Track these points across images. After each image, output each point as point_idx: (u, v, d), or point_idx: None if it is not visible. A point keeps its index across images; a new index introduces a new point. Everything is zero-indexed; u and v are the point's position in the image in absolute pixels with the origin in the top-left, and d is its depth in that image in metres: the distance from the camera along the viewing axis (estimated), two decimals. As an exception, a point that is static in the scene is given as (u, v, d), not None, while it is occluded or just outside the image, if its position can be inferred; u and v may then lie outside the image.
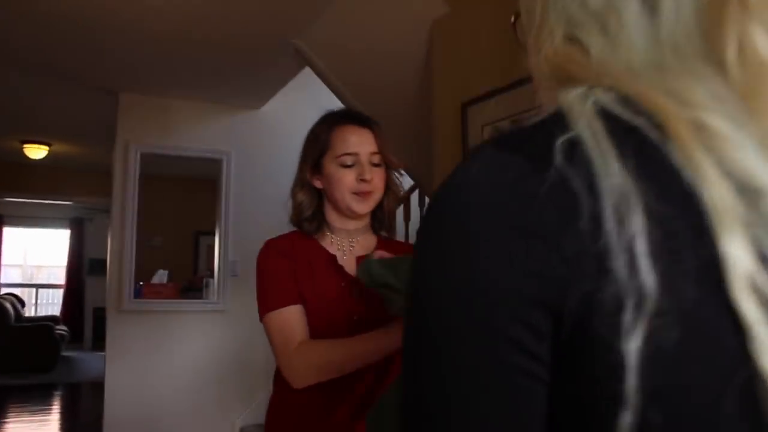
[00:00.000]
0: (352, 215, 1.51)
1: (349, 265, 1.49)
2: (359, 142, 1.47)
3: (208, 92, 4.44)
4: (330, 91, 3.54)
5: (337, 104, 2.90)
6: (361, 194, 1.47)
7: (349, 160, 1.46)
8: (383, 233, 1.62)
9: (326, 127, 1.51)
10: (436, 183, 2.57)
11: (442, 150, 2.56)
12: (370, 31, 2.95)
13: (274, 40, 3.45)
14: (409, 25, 2.78)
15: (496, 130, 2.23)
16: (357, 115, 1.57)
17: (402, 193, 1.63)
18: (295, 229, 1.55)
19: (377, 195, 1.50)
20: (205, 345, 4.43)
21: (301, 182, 1.53)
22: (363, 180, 1.46)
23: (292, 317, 1.40)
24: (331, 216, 1.54)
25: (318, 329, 1.41)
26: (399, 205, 1.65)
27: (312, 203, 1.53)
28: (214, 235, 4.76)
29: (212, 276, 4.67)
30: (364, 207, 1.49)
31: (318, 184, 1.52)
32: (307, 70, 3.87)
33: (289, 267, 1.45)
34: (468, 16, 2.48)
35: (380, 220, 1.59)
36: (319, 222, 1.55)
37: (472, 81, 2.39)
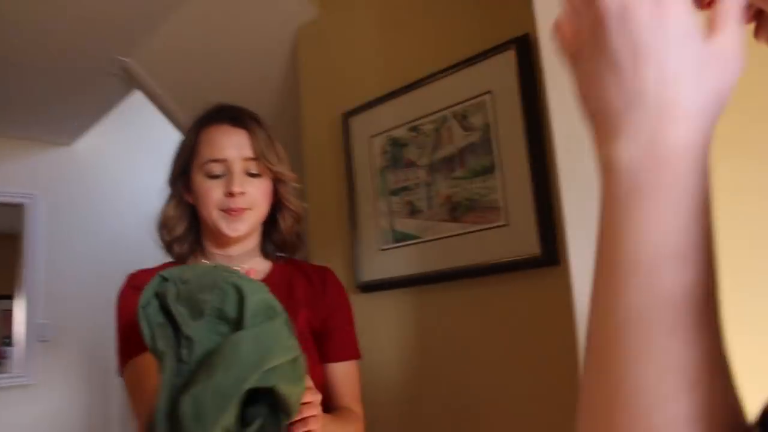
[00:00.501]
0: (224, 239, 1.21)
1: None
2: (228, 145, 1.18)
3: (4, 124, 3.72)
4: (168, 124, 3.08)
5: (173, 138, 2.41)
6: (230, 212, 1.17)
7: (216, 169, 1.18)
8: (281, 255, 1.29)
9: (194, 128, 1.23)
10: (311, 202, 2.21)
11: (316, 166, 2.21)
12: (221, 42, 2.57)
13: (95, 58, 2.92)
14: (269, 33, 2.44)
15: (391, 141, 1.95)
16: (230, 110, 1.25)
17: (301, 208, 1.30)
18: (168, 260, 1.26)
19: (255, 213, 1.20)
20: (9, 430, 3.58)
21: (170, 196, 1.25)
22: (230, 194, 1.16)
23: (151, 367, 1.05)
24: (207, 239, 1.24)
25: None
26: (299, 223, 1.31)
27: (183, 220, 1.23)
28: (10, 298, 3.95)
29: (11, 345, 3.85)
30: (236, 228, 1.18)
31: (190, 198, 1.23)
32: (133, 101, 3.37)
33: None
34: (339, 20, 2.21)
35: (277, 243, 1.28)
36: (192, 245, 1.24)
37: (352, 89, 2.10)
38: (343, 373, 1.23)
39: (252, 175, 1.18)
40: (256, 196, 1.18)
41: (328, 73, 2.23)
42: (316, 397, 0.95)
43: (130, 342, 1.11)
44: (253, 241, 1.25)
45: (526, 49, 1.66)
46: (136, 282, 1.15)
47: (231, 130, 1.19)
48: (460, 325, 1.73)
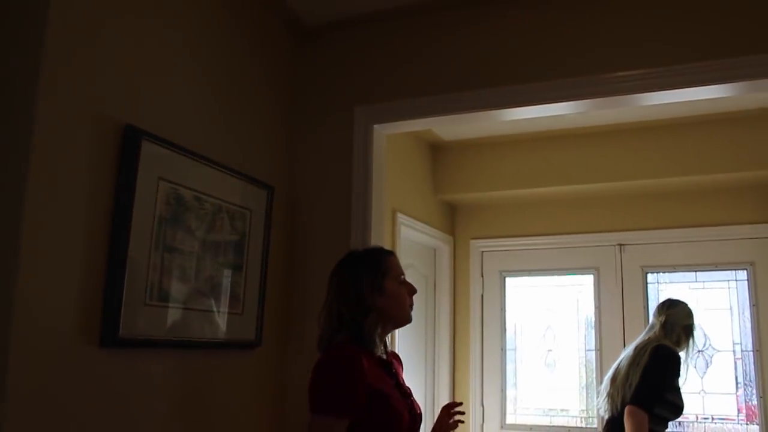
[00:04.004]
0: (395, 326, 1.95)
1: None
2: (401, 266, 1.96)
3: None
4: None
5: None
6: (412, 306, 1.92)
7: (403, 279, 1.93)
8: None
9: (378, 259, 1.90)
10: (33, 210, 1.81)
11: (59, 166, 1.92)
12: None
13: None
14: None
15: (176, 196, 2.03)
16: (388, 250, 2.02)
17: None
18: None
19: None
20: None
21: (367, 305, 1.81)
22: (414, 293, 1.94)
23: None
24: (380, 327, 1.84)
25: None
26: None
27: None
28: None
29: None
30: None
31: (380, 302, 1.82)
32: None
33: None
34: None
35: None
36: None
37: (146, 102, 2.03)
38: None
39: None
40: None
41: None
42: None
43: (349, 403, 1.63)
44: None
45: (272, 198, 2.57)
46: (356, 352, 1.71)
47: (396, 259, 1.97)
48: (198, 384, 2.20)
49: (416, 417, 1.83)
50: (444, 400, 4.47)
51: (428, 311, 4.51)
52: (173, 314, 2.07)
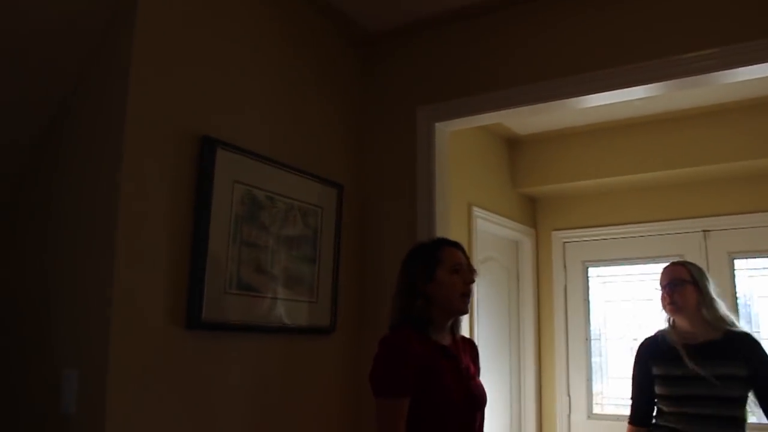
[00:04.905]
0: (452, 314, 1.98)
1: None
2: (460, 256, 2.00)
3: None
4: None
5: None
6: (467, 295, 1.96)
7: (459, 268, 1.97)
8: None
9: (432, 249, 2.00)
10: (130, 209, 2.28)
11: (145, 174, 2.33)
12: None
13: None
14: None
15: (250, 197, 2.30)
16: (450, 240, 2.09)
17: None
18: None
19: None
20: None
21: (416, 293, 1.94)
22: (471, 281, 1.98)
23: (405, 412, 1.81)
24: (435, 315, 1.94)
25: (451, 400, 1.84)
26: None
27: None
28: None
29: None
30: (468, 307, 1.98)
31: (430, 289, 1.93)
32: None
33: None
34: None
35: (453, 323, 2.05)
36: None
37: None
38: None
39: None
40: None
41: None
42: None
43: (403, 382, 1.76)
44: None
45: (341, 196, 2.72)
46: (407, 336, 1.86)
47: (456, 249, 2.01)
48: (276, 366, 2.43)
49: (473, 398, 1.90)
50: (530, 391, 4.55)
51: (512, 303, 4.60)
52: (252, 302, 2.32)
